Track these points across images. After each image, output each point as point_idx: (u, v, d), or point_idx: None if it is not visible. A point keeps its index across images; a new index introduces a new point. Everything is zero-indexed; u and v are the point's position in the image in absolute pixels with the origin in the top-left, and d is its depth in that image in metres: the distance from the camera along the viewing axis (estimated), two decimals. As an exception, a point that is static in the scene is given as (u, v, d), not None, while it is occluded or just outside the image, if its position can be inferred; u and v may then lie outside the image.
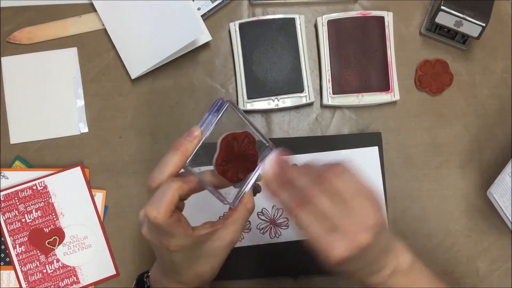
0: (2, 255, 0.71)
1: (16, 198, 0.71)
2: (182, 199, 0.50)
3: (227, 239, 0.51)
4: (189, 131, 0.49)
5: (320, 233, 0.46)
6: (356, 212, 0.46)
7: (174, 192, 0.46)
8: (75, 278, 0.71)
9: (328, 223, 0.46)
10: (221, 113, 0.49)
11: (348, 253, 0.45)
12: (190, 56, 0.74)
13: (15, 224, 0.71)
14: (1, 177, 0.71)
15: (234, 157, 0.49)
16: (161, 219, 0.45)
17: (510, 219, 0.68)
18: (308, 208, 0.46)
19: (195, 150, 0.48)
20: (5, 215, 0.71)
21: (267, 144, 0.52)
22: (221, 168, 0.49)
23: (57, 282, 0.71)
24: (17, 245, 0.70)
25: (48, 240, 0.71)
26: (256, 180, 0.52)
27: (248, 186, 0.52)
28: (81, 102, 0.74)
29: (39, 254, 0.71)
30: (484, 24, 0.70)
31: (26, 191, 0.71)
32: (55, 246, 0.71)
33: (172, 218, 0.46)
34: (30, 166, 0.73)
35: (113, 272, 0.72)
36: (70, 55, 0.75)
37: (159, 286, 0.54)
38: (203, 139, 0.49)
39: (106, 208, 0.72)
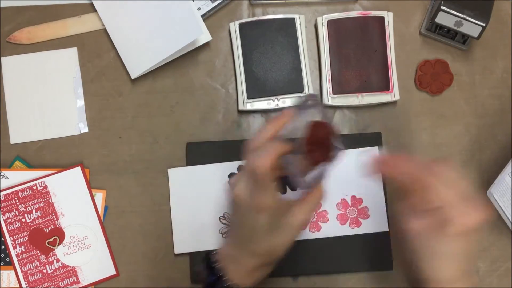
0: (2, 255, 0.71)
1: (16, 198, 0.71)
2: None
3: (299, 217, 0.57)
4: (283, 112, 0.57)
5: (454, 199, 0.50)
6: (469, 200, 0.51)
7: (276, 149, 0.53)
8: (75, 278, 0.71)
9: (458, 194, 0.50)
10: (308, 108, 0.56)
11: (481, 220, 0.49)
12: (190, 56, 0.74)
13: (15, 224, 0.71)
14: (1, 177, 0.71)
15: (319, 141, 0.54)
16: (266, 169, 0.52)
17: (510, 219, 0.68)
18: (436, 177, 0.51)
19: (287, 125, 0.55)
20: (5, 215, 0.71)
21: (340, 148, 0.57)
22: (309, 147, 0.53)
23: (57, 282, 0.71)
24: (17, 245, 0.70)
25: (48, 240, 0.71)
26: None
27: (323, 175, 0.57)
28: (81, 102, 0.74)
29: (39, 254, 0.71)
30: (484, 24, 0.70)
31: (26, 191, 0.71)
32: (55, 246, 0.71)
33: (271, 173, 0.53)
34: (30, 166, 0.73)
35: (113, 272, 0.72)
36: (70, 55, 0.75)
37: (229, 256, 0.59)
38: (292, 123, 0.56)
39: (106, 208, 0.72)
